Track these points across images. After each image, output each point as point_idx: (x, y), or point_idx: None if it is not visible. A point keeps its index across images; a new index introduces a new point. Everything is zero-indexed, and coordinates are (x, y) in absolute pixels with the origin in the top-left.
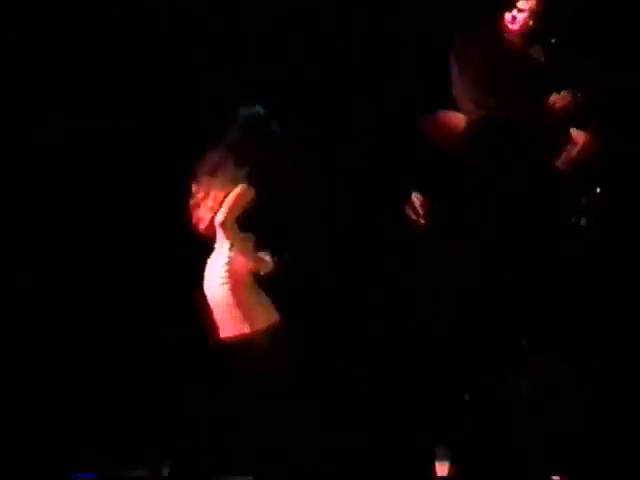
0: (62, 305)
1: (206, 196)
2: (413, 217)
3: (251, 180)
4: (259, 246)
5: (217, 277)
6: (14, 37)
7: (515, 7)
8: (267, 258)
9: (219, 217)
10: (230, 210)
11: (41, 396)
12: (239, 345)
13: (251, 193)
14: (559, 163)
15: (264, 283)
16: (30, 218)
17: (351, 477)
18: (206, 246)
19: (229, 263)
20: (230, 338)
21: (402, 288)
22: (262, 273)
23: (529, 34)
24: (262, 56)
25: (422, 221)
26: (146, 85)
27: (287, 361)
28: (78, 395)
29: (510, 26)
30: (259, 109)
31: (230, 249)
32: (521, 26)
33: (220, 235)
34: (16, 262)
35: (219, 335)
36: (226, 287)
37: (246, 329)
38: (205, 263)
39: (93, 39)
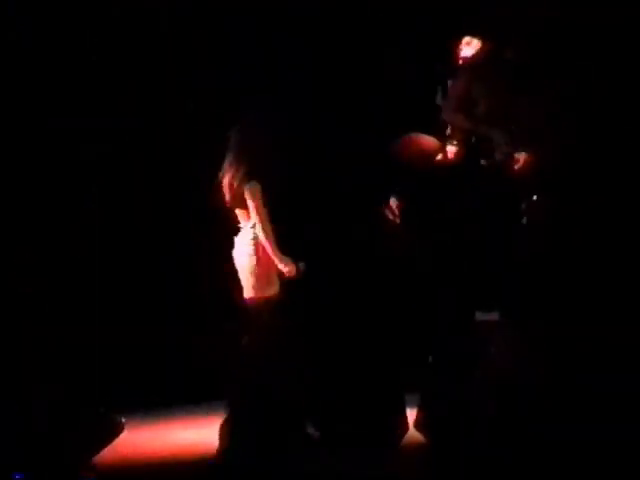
0: (62, 304)
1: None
2: (390, 216)
3: (254, 176)
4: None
5: (245, 249)
6: (14, 37)
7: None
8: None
9: (254, 216)
10: (257, 207)
11: (41, 396)
12: (252, 303)
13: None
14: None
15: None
16: (30, 218)
17: (328, 423)
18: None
19: (254, 239)
20: (248, 298)
21: (381, 262)
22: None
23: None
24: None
25: (397, 220)
26: (146, 85)
27: (280, 317)
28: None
29: (460, 61)
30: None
31: (253, 227)
32: (471, 59)
33: (243, 215)
34: (16, 262)
35: (241, 293)
36: (251, 258)
37: (260, 293)
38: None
39: (92, 39)
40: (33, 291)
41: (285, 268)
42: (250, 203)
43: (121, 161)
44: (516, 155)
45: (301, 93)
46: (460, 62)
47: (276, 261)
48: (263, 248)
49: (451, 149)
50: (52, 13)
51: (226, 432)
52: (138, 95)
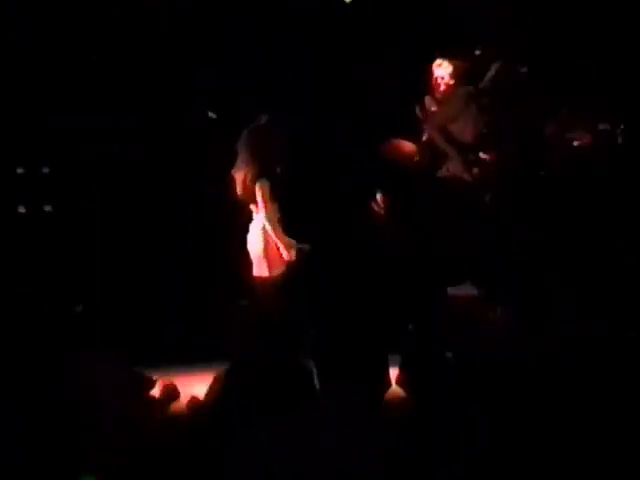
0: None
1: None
2: (377, 208)
3: (264, 175)
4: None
5: (255, 235)
6: (14, 37)
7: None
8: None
9: (262, 209)
10: (265, 202)
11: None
12: (260, 281)
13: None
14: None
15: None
16: (30, 218)
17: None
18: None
19: (263, 228)
20: (258, 276)
21: (369, 245)
22: (289, 257)
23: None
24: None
25: (382, 211)
26: (146, 86)
27: (283, 295)
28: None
29: (436, 94)
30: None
31: (264, 217)
32: (444, 90)
33: (254, 208)
34: (16, 262)
35: (252, 272)
36: (260, 244)
37: (266, 273)
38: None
39: (92, 39)
40: (33, 291)
41: (287, 252)
42: (259, 199)
43: (121, 161)
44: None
45: (300, 93)
46: (436, 81)
47: (281, 247)
48: (269, 236)
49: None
50: (52, 13)
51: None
52: (138, 95)
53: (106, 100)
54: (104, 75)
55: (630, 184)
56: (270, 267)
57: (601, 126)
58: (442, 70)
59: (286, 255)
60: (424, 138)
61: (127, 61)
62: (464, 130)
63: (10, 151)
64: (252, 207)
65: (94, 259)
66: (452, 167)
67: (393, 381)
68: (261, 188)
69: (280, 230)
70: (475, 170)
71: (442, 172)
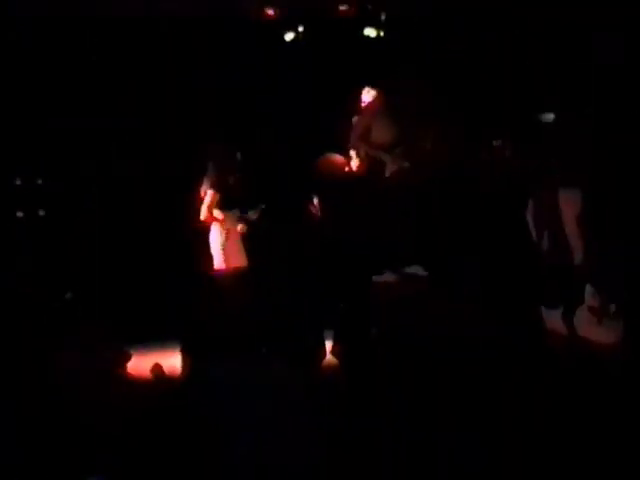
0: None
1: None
2: (313, 210)
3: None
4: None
5: (216, 233)
6: (14, 37)
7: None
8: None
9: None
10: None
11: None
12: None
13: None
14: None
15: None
16: (30, 220)
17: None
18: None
19: (227, 232)
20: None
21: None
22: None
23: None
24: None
25: (317, 212)
26: (145, 86)
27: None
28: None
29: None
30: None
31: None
32: (371, 109)
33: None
34: (16, 264)
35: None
36: (228, 241)
37: (224, 265)
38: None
39: (92, 40)
40: (33, 292)
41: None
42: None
43: (120, 161)
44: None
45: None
46: (362, 105)
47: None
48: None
49: (354, 164)
50: (52, 13)
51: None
52: (138, 95)
53: (106, 100)
54: (104, 75)
55: (513, 191)
56: (227, 261)
57: (495, 142)
58: (368, 96)
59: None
60: (350, 147)
61: (127, 61)
62: (381, 134)
63: (10, 151)
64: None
65: (94, 258)
66: (389, 167)
67: (328, 351)
68: (211, 197)
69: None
70: (406, 163)
71: (388, 172)
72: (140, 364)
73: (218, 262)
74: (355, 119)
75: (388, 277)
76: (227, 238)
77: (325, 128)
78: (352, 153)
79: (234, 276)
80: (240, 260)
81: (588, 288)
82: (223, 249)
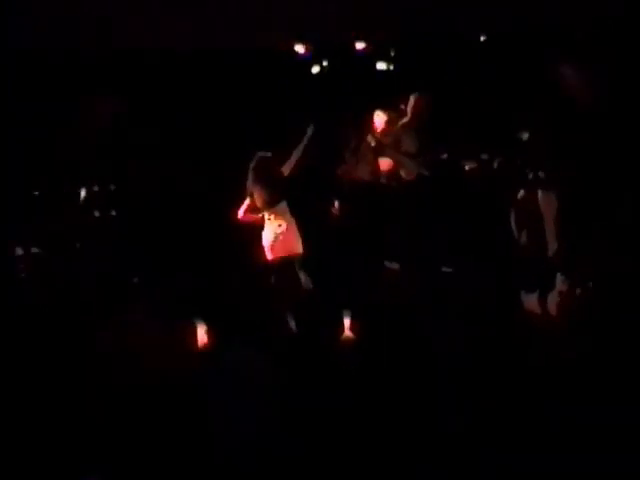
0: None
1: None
2: (334, 211)
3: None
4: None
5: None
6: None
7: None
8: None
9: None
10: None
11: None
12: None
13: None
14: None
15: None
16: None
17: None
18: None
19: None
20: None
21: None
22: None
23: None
24: None
25: (337, 213)
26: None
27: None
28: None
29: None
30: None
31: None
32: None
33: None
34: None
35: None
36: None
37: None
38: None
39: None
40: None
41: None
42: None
43: (182, 171)
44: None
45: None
46: (376, 127)
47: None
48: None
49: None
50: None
51: None
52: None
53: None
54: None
55: (500, 194)
56: (275, 251)
57: (483, 156)
58: (378, 118)
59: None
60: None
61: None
62: (409, 145)
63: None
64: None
65: (154, 245)
66: (404, 172)
67: (347, 328)
68: (250, 199)
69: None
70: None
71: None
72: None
73: (267, 253)
74: (369, 137)
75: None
76: (276, 231)
77: (345, 143)
78: (381, 161)
79: (282, 264)
80: (293, 249)
81: (559, 276)
82: (272, 241)
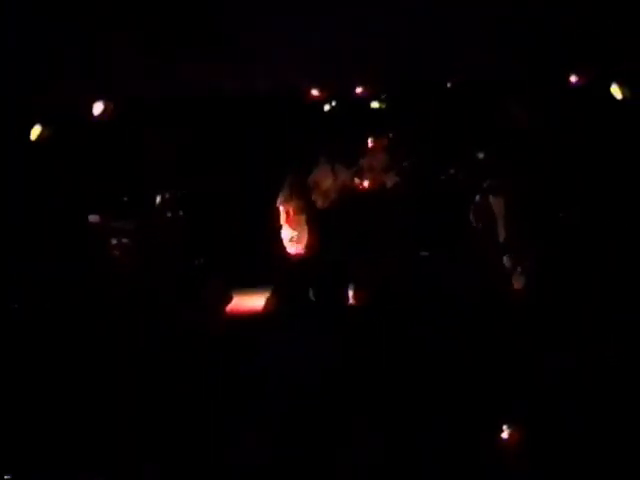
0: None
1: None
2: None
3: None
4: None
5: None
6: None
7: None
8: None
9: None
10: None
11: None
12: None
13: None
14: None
15: None
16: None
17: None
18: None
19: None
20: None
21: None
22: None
23: None
24: None
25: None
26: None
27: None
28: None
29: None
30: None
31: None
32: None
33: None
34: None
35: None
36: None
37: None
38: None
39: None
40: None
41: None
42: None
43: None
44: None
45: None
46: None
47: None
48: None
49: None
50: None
51: None
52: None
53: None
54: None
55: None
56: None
57: (450, 170)
58: (372, 143)
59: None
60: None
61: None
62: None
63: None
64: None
65: (213, 238)
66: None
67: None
68: (285, 207)
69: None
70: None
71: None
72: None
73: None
74: (364, 160)
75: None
76: (292, 235)
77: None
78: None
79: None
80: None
81: (505, 258)
82: (289, 241)
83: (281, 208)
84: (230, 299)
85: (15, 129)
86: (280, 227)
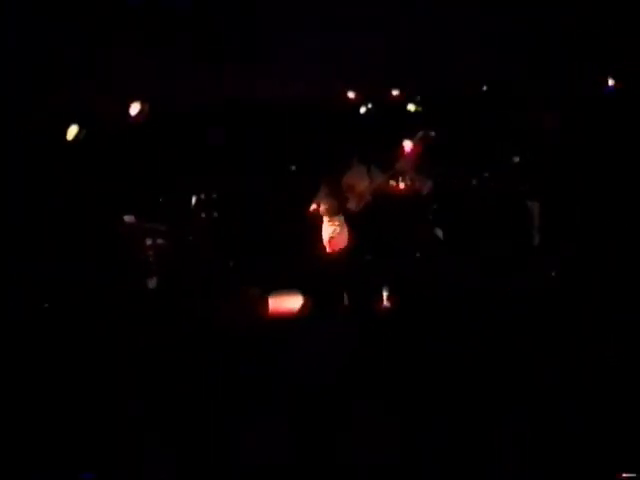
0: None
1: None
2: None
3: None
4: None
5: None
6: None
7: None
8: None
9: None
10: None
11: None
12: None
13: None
14: None
15: None
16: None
17: None
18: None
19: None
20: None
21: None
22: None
23: None
24: None
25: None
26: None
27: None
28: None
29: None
30: None
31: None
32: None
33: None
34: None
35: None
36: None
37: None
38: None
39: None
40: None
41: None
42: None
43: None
44: None
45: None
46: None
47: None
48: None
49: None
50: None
51: None
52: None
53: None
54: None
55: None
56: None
57: (484, 174)
58: (407, 145)
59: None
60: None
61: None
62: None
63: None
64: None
65: (245, 238)
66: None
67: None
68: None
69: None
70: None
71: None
72: (275, 304)
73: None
74: (399, 163)
75: None
76: (332, 233)
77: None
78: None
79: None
80: (343, 245)
81: (539, 260)
82: (329, 239)
83: (319, 208)
84: (265, 301)
85: (15, 129)
86: (316, 229)
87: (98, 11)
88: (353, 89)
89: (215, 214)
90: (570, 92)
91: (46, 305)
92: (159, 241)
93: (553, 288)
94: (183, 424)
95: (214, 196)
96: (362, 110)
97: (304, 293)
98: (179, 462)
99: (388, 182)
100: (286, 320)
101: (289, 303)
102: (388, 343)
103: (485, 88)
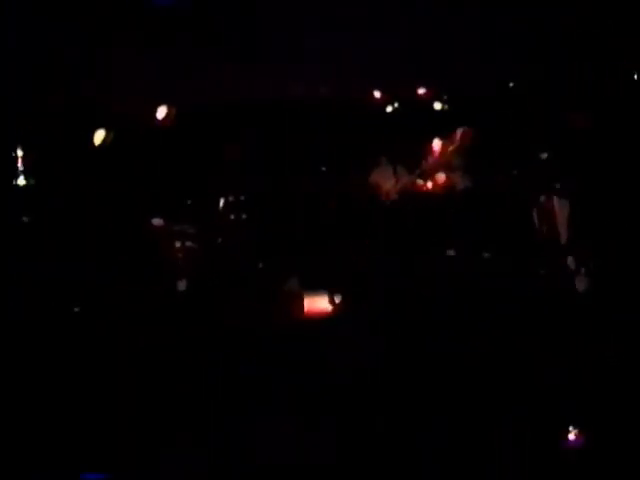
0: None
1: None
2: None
3: None
4: None
5: None
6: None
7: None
8: None
9: None
10: None
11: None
12: None
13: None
14: None
15: None
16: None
17: None
18: None
19: None
20: None
21: None
22: None
23: None
24: None
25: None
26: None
27: None
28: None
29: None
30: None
31: None
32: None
33: None
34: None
35: None
36: None
37: None
38: None
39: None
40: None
41: None
42: None
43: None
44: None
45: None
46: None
47: None
48: None
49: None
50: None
51: None
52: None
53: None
54: None
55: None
56: None
57: (513, 171)
58: (436, 144)
59: None
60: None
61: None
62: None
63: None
64: None
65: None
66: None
67: None
68: None
69: None
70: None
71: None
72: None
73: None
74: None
75: None
76: None
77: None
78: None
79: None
80: None
81: (569, 259)
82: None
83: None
84: (300, 301)
85: (15, 129)
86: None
87: (98, 11)
88: (380, 89)
89: (244, 215)
90: (599, 92)
91: (46, 305)
92: (188, 243)
93: (569, 288)
94: (186, 424)
95: (242, 198)
96: (389, 109)
97: (335, 293)
98: (182, 462)
99: (415, 181)
100: (319, 320)
101: (323, 303)
102: (390, 343)
103: (511, 85)
